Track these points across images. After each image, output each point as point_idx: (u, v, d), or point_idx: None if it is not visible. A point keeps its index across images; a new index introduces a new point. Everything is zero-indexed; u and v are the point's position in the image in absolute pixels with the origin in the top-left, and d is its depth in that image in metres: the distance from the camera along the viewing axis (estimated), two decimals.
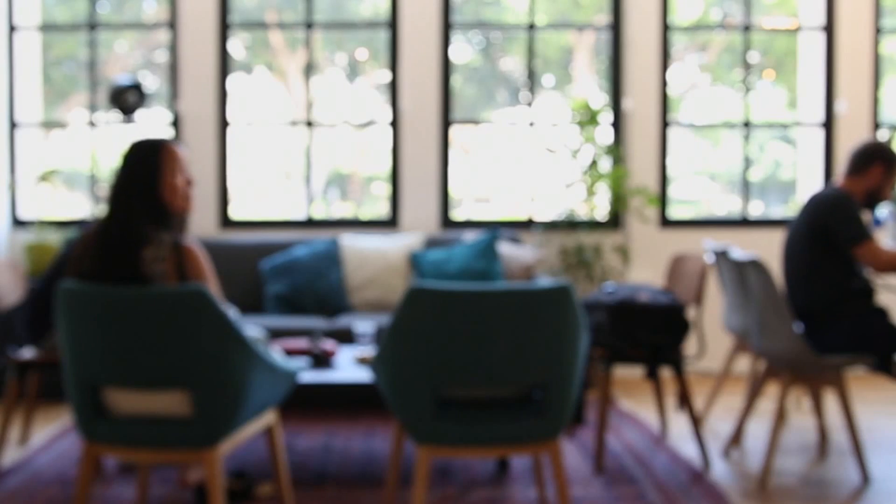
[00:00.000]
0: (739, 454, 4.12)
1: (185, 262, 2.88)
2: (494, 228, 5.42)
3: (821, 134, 6.02)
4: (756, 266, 3.63)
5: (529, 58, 6.00)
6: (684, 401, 3.97)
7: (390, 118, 5.88)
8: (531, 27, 5.96)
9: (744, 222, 6.01)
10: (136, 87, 5.37)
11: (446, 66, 5.86)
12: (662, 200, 5.88)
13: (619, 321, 3.84)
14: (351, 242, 5.42)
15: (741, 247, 4.91)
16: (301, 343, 3.82)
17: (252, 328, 3.24)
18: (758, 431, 4.41)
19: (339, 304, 5.24)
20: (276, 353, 3.14)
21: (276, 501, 3.39)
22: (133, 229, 2.87)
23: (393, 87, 5.87)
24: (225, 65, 5.83)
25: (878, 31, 5.92)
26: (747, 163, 6.14)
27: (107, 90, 5.48)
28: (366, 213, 8.21)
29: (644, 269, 5.77)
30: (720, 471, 3.89)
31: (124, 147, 3.02)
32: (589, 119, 5.61)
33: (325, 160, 7.82)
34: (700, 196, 8.51)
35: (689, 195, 8.37)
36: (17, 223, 5.80)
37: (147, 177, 2.94)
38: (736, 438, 4.10)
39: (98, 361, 2.78)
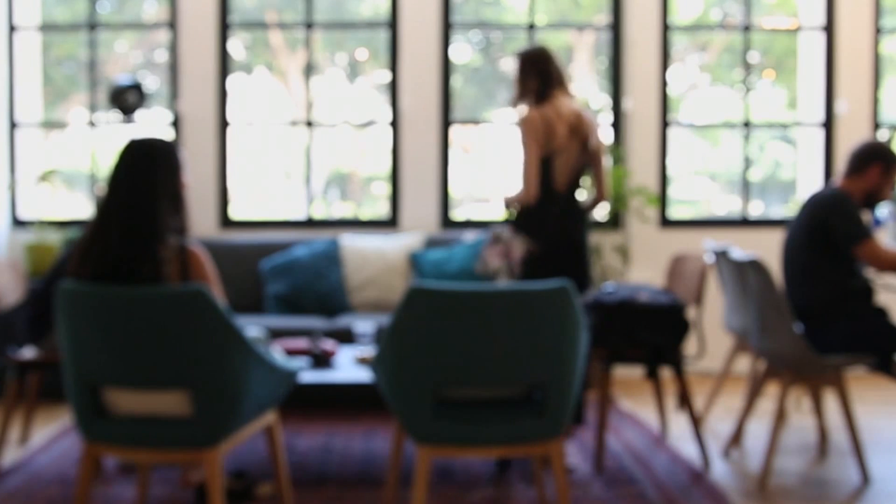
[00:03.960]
0: (739, 454, 4.12)
1: (189, 266, 2.88)
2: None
3: (821, 134, 6.02)
4: (756, 266, 3.63)
5: None
6: (684, 401, 3.97)
7: (390, 118, 5.88)
8: (531, 27, 5.95)
9: (744, 222, 6.01)
10: (136, 87, 5.37)
11: (446, 66, 5.86)
12: (662, 200, 5.88)
13: (619, 321, 3.84)
14: (351, 242, 5.42)
15: (741, 247, 4.91)
16: (301, 343, 3.83)
17: (252, 328, 3.24)
18: (758, 431, 4.41)
19: (339, 304, 5.24)
20: (276, 353, 3.15)
21: (276, 501, 3.39)
22: (159, 225, 2.86)
23: (393, 87, 5.87)
24: (225, 65, 5.83)
25: (878, 31, 5.91)
26: (747, 163, 6.14)
27: (107, 90, 5.48)
28: (366, 213, 8.21)
29: (644, 269, 5.76)
30: (720, 471, 3.89)
31: (130, 145, 2.97)
32: None
33: (325, 160, 7.82)
34: (700, 196, 8.51)
35: (689, 195, 8.37)
36: (17, 223, 5.80)
37: (174, 173, 2.94)
38: (736, 438, 4.10)
39: (98, 361, 2.78)
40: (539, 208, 3.80)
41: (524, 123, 3.81)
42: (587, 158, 3.87)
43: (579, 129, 3.82)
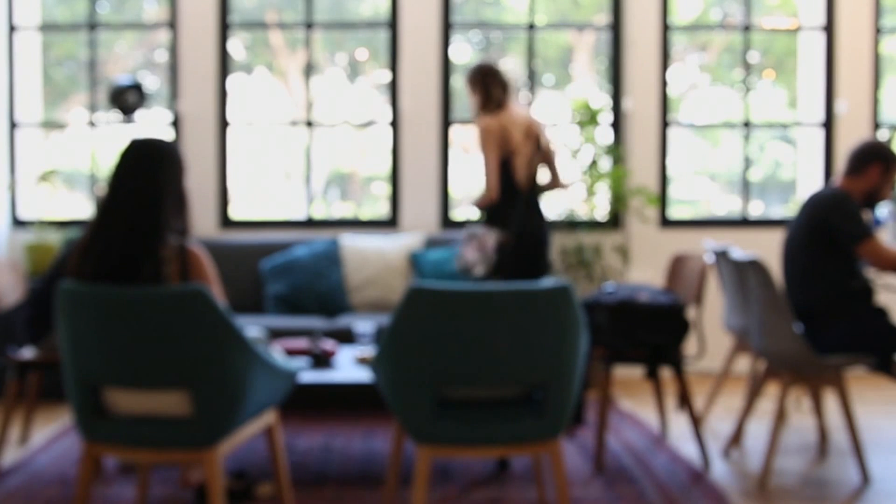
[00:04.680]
0: (739, 454, 4.12)
1: (189, 266, 2.87)
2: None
3: (821, 134, 6.02)
4: (756, 266, 3.63)
5: (529, 58, 6.00)
6: (684, 401, 3.97)
7: (390, 118, 5.88)
8: (531, 27, 5.96)
9: (744, 222, 6.01)
10: (136, 87, 5.37)
11: (446, 66, 5.86)
12: (662, 200, 5.88)
13: (619, 321, 3.84)
14: (351, 242, 5.42)
15: (741, 247, 4.91)
16: (301, 343, 3.82)
17: (252, 328, 3.24)
18: (758, 431, 4.41)
19: (339, 304, 5.24)
20: (276, 353, 3.15)
21: (276, 501, 3.39)
22: (161, 225, 2.85)
23: (393, 87, 5.87)
24: (225, 65, 5.83)
25: (878, 31, 5.92)
26: (747, 163, 6.14)
27: (107, 90, 5.48)
28: (366, 213, 8.20)
29: (644, 269, 5.77)
30: (720, 471, 3.89)
31: (133, 145, 2.96)
32: (589, 119, 5.60)
33: (325, 160, 7.81)
34: (700, 196, 8.50)
35: (689, 195, 8.37)
36: (17, 223, 5.80)
37: (177, 174, 2.94)
38: (736, 438, 4.10)
39: (98, 361, 2.78)
40: (504, 204, 4.39)
41: (483, 132, 4.43)
42: (542, 156, 4.52)
43: (531, 132, 4.47)
